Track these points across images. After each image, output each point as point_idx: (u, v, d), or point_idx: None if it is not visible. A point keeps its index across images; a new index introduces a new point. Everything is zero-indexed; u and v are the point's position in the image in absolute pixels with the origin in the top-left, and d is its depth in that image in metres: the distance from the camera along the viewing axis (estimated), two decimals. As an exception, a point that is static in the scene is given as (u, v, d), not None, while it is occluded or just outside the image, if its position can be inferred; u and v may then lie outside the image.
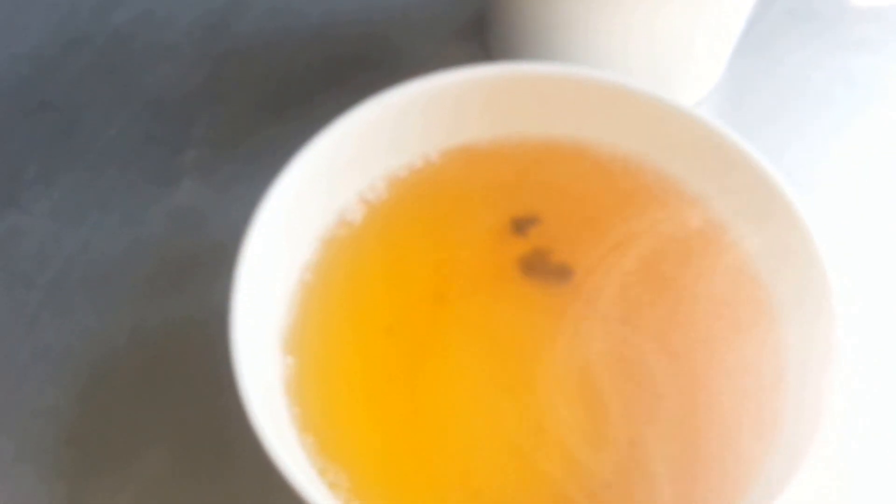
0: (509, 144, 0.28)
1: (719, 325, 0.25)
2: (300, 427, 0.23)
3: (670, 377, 0.25)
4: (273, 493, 0.26)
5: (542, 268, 0.27)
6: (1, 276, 0.30)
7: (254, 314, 0.23)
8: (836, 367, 0.22)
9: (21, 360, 0.28)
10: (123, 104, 0.34)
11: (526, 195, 0.28)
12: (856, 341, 0.22)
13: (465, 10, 0.35)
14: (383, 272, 0.27)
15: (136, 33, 0.35)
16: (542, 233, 0.27)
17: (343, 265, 0.26)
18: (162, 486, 0.26)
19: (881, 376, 0.28)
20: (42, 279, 0.30)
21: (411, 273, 0.27)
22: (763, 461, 0.23)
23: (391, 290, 0.26)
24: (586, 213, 0.27)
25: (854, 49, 0.35)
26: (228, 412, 0.27)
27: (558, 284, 0.27)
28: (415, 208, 0.27)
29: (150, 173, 0.32)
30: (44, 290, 0.29)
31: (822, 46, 0.35)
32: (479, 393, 0.25)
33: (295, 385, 0.24)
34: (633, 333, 0.26)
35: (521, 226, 0.27)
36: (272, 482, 0.26)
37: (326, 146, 0.24)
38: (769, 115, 0.33)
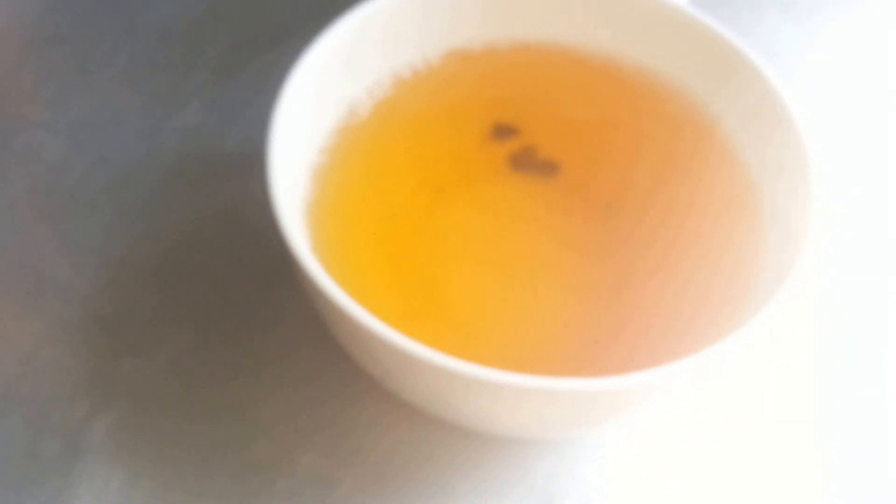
0: (501, 49, 0.31)
1: (699, 199, 0.28)
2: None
3: (652, 248, 0.28)
4: (289, 363, 0.29)
5: (529, 163, 0.30)
6: (25, 184, 0.32)
7: (284, 186, 0.25)
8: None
9: (48, 255, 0.30)
10: (131, 35, 0.36)
11: (514, 100, 0.31)
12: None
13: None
14: (386, 163, 0.29)
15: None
16: (522, 139, 0.30)
17: (352, 152, 0.29)
18: (187, 360, 0.29)
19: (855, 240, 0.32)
20: (65, 185, 0.32)
21: (412, 166, 0.29)
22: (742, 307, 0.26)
23: (394, 180, 0.29)
24: (572, 111, 0.31)
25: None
26: (243, 291, 0.30)
27: (545, 178, 0.30)
28: (416, 106, 0.30)
29: (159, 96, 0.34)
30: (67, 195, 0.31)
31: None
32: (475, 261, 0.28)
33: (319, 249, 0.26)
34: (618, 213, 0.29)
35: (501, 133, 0.30)
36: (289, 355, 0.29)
37: (341, 35, 0.27)
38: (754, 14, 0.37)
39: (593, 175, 0.29)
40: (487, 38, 0.30)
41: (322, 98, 0.28)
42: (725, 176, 0.28)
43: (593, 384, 0.21)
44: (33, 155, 0.32)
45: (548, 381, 0.21)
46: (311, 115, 0.27)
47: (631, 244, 0.28)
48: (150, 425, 0.28)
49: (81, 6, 0.36)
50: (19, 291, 0.30)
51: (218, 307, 0.29)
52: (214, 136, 0.33)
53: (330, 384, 0.28)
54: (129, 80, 0.35)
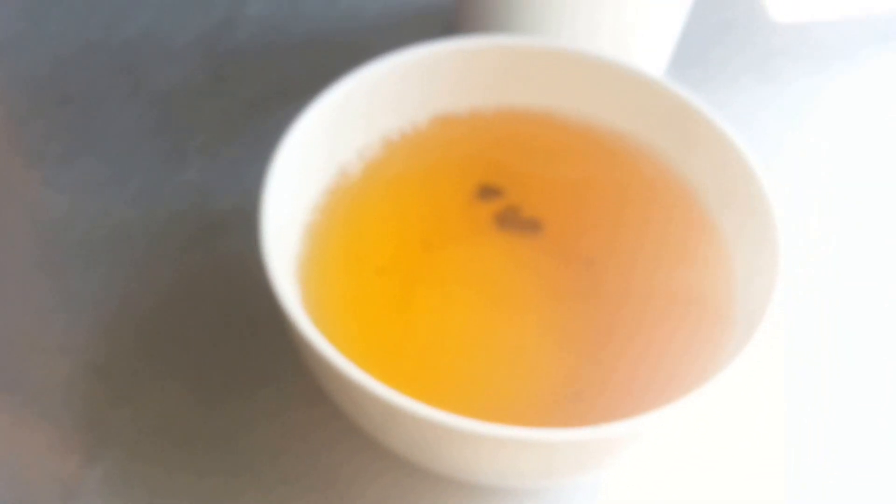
0: (486, 114, 0.32)
1: (673, 258, 0.30)
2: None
3: (631, 301, 0.29)
4: (279, 416, 0.30)
5: (514, 221, 0.31)
6: (31, 237, 0.33)
7: (276, 243, 0.26)
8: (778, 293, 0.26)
9: (48, 306, 0.31)
10: (136, 99, 0.38)
11: (499, 161, 0.32)
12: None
13: (436, 22, 0.40)
14: (376, 221, 0.31)
15: (146, 40, 0.39)
16: (507, 198, 0.31)
17: (342, 211, 0.30)
18: (181, 412, 0.29)
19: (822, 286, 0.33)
20: (68, 240, 0.33)
21: (400, 223, 0.31)
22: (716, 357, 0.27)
23: (383, 236, 0.30)
24: (554, 173, 0.32)
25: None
26: (237, 345, 0.31)
27: (529, 235, 0.31)
28: (405, 167, 0.31)
29: (161, 156, 0.36)
30: (69, 249, 0.33)
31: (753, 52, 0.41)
32: (462, 317, 0.29)
33: (309, 304, 0.27)
34: (598, 269, 0.30)
35: (486, 193, 0.32)
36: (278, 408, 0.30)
37: (330, 102, 0.29)
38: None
39: (574, 232, 0.31)
40: (473, 104, 0.32)
41: (314, 160, 0.29)
42: (698, 234, 0.29)
43: (577, 434, 0.22)
44: (38, 210, 0.34)
45: (529, 432, 0.22)
46: (304, 176, 0.29)
47: (611, 298, 0.29)
48: (143, 475, 0.28)
49: (89, 68, 0.38)
50: (19, 341, 0.31)
51: (212, 360, 0.30)
52: (212, 195, 0.35)
53: (322, 439, 0.29)
54: (132, 140, 0.36)
